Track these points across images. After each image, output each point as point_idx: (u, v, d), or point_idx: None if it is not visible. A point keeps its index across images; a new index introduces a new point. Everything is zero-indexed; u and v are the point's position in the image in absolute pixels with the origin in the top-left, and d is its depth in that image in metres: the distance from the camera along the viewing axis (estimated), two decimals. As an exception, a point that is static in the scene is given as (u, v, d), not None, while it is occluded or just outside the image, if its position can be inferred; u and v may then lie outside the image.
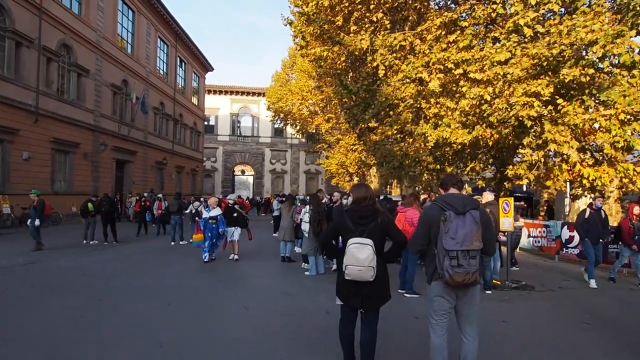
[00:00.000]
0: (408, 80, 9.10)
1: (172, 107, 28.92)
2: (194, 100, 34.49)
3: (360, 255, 2.86)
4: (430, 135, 9.33)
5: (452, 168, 11.98)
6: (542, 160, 7.71)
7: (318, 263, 7.65)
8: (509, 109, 7.28)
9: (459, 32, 8.99)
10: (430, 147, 11.65)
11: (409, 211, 6.16)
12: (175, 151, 29.33)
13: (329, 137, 29.31)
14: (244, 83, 51.53)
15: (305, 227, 7.52)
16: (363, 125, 27.22)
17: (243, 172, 46.82)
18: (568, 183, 10.89)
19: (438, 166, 11.62)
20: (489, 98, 7.88)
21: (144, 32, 24.87)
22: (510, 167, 9.02)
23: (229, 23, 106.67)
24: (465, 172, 12.19)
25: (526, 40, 7.61)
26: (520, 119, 7.05)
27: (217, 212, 8.94)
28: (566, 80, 6.45)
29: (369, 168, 25.66)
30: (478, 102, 8.24)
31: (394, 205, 11.03)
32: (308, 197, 9.02)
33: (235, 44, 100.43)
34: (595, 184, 7.54)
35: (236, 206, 9.31)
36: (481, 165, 11.82)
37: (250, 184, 59.01)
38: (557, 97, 6.92)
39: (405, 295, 6.02)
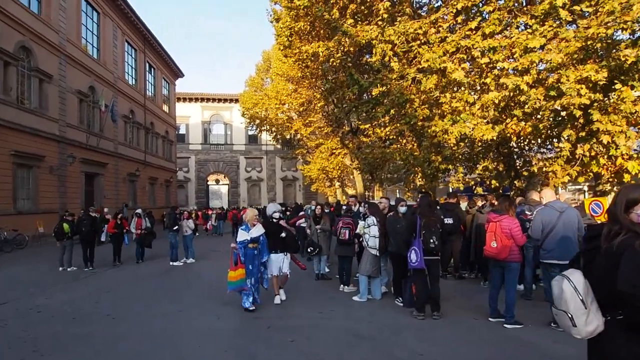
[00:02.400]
0: (429, 71, 8.35)
1: (143, 115, 27.21)
2: (165, 108, 32.79)
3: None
4: (452, 132, 8.60)
5: (462, 167, 11.35)
6: (588, 154, 7.11)
7: (375, 286, 6.51)
8: (554, 99, 6.66)
9: (480, 18, 8.35)
10: (438, 145, 10.98)
11: (504, 220, 5.06)
12: (147, 162, 27.58)
13: (310, 142, 28.39)
14: (214, 90, 50.00)
15: (374, 243, 6.19)
16: (347, 129, 26.75)
17: (217, 181, 45.12)
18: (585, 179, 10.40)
19: (450, 166, 10.94)
20: (525, 88, 7.22)
21: (110, 35, 23.18)
22: (538, 162, 8.42)
23: (196, 30, 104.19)
24: (478, 172, 11.57)
25: (562, 22, 7.04)
26: (569, 108, 6.44)
27: (259, 231, 6.16)
28: (628, 62, 5.88)
29: (359, 172, 24.83)
30: (511, 94, 7.58)
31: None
32: (366, 206, 7.60)
33: (202, 52, 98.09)
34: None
35: (282, 222, 6.84)
36: (494, 164, 11.23)
37: (225, 194, 57.26)
38: (612, 82, 6.34)
39: (506, 326, 5.01)
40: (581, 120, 6.93)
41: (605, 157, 7.25)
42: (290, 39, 18.55)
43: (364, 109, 9.98)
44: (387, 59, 9.15)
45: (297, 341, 4.72)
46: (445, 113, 9.46)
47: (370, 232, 6.26)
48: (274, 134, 37.42)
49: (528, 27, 7.77)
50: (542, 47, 7.30)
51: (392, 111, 9.54)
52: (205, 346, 4.63)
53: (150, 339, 4.91)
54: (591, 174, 8.00)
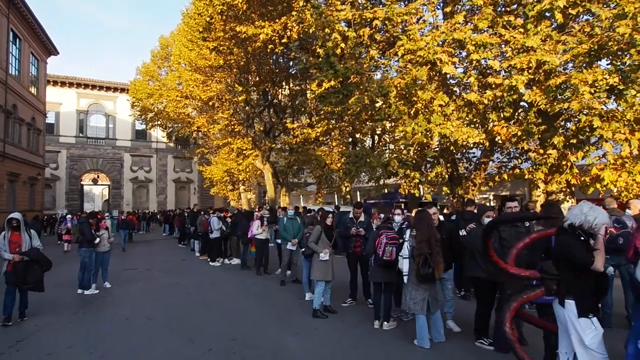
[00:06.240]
0: (417, 63, 7.58)
1: (4, 94, 21.72)
2: (33, 90, 26.89)
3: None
4: (434, 134, 7.97)
5: (414, 173, 10.89)
6: (577, 161, 7.04)
7: (436, 324, 4.87)
8: (555, 100, 6.41)
9: (465, 12, 7.92)
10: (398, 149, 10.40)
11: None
12: (7, 153, 22.04)
13: (217, 141, 25.90)
14: (92, 77, 42.92)
15: (405, 265, 4.79)
16: (260, 128, 25.03)
17: (95, 181, 38.95)
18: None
19: (408, 170, 10.39)
20: (522, 88, 6.89)
21: (-39, -12, 17.91)
22: (516, 169, 8.32)
23: (64, 14, 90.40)
24: (430, 178, 11.25)
25: (558, 25, 6.92)
26: (574, 113, 6.25)
27: None
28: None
29: (273, 175, 23.31)
30: (502, 94, 7.21)
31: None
32: (410, 215, 6.27)
33: (72, 36, 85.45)
34: (611, 188, 7.12)
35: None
36: (448, 170, 11.03)
37: (102, 197, 50.15)
38: (613, 88, 6.29)
39: None
40: (573, 127, 6.86)
41: (608, 165, 7.10)
42: (211, 21, 16.43)
43: (333, 99, 8.79)
44: (364, 42, 8.19)
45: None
46: (420, 111, 8.84)
47: (403, 250, 4.86)
48: (169, 130, 33.71)
49: (515, 27, 7.53)
50: (534, 49, 7.09)
51: (366, 102, 8.54)
52: None
53: None
54: (560, 181, 8.08)
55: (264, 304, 7.04)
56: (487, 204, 15.31)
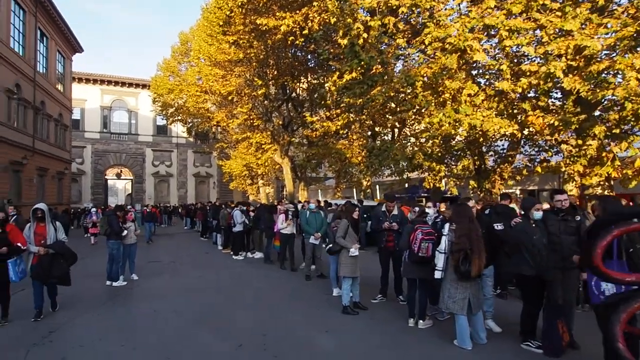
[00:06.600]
0: (448, 49, 7.33)
1: (32, 91, 22.24)
2: (59, 87, 27.49)
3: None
4: (464, 124, 7.71)
5: (440, 166, 10.61)
6: (621, 152, 6.70)
7: (477, 324, 4.61)
8: (597, 87, 6.09)
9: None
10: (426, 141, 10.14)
11: None
12: (36, 149, 22.63)
13: (236, 135, 25.96)
14: (116, 73, 43.68)
15: (440, 261, 4.50)
16: (279, 122, 24.95)
17: (119, 175, 39.74)
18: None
19: (433, 164, 10.13)
20: (560, 75, 6.56)
21: (-10, -13, 18.34)
22: (545, 163, 7.99)
23: (85, 13, 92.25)
24: (456, 171, 10.96)
25: (598, 6, 6.56)
26: (618, 101, 5.93)
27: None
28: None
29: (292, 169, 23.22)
30: (538, 82, 6.89)
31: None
32: (435, 207, 6.10)
33: (92, 35, 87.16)
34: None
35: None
36: (477, 162, 10.72)
37: (124, 191, 51.16)
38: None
39: None
40: (615, 116, 6.51)
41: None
42: (230, 14, 16.37)
43: (357, 90, 8.60)
44: (390, 30, 7.96)
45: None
46: (447, 102, 8.58)
47: (441, 245, 4.55)
48: (189, 125, 34.00)
49: (551, 10, 7.18)
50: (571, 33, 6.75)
51: (391, 93, 8.33)
52: None
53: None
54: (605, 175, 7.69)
55: (290, 299, 6.96)
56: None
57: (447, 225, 4.57)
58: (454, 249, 4.40)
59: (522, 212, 5.14)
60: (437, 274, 4.53)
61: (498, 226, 5.93)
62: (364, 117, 12.65)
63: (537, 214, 4.66)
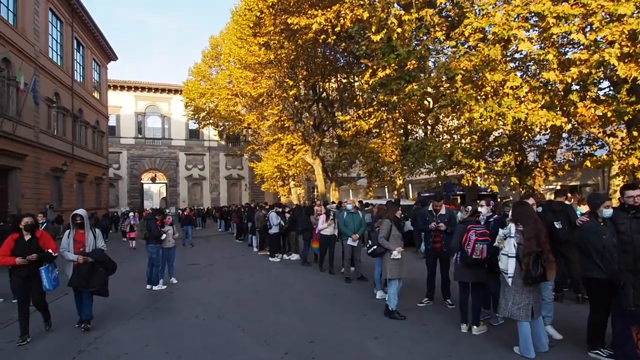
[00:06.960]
0: (490, 40, 6.94)
1: (70, 100, 23.06)
2: (96, 94, 28.43)
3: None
4: (507, 118, 7.27)
5: (479, 162, 10.12)
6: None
7: (538, 331, 4.26)
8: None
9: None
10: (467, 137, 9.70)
11: None
12: (75, 155, 23.44)
13: (267, 137, 26.06)
14: (148, 79, 44.61)
15: (506, 266, 4.07)
16: (310, 123, 24.86)
17: (153, 179, 40.77)
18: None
19: (472, 160, 9.68)
20: (615, 62, 6.06)
21: (30, 0, 19.09)
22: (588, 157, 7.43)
23: (117, 20, 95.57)
24: (498, 167, 10.45)
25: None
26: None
27: None
28: None
29: (333, 170, 23.07)
30: (591, 71, 6.39)
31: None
32: (492, 205, 5.74)
33: (124, 41, 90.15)
34: None
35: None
36: (518, 158, 10.18)
37: (157, 194, 52.48)
38: None
39: None
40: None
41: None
42: (261, 16, 16.36)
43: (394, 86, 8.30)
44: (427, 23, 7.62)
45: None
46: (489, 95, 8.14)
47: (505, 246, 4.12)
48: (220, 128, 34.45)
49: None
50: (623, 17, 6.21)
51: (428, 89, 7.99)
52: None
53: None
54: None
55: (333, 303, 6.74)
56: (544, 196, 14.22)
57: (512, 226, 4.15)
58: (523, 252, 4.02)
59: (588, 210, 4.70)
60: (509, 281, 4.13)
61: (557, 224, 5.52)
62: (397, 114, 12.27)
63: (607, 212, 4.20)
